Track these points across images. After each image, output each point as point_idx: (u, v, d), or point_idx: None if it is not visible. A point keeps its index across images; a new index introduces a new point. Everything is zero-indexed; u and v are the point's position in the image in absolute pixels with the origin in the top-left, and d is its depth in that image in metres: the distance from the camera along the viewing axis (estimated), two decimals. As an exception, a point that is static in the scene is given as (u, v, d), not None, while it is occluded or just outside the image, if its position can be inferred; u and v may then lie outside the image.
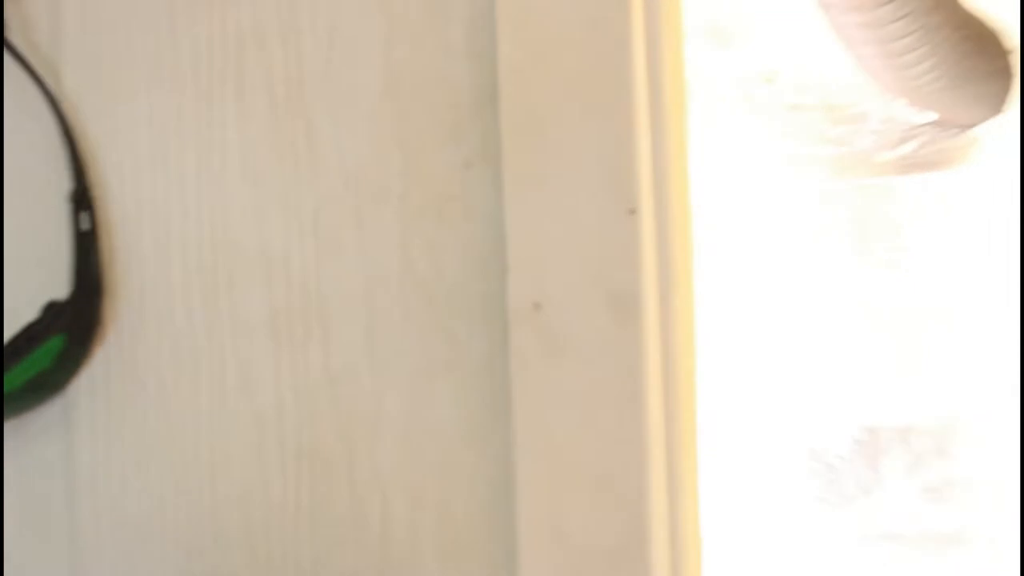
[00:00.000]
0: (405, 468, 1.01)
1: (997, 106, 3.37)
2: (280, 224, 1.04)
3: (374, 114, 1.02)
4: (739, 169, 3.46)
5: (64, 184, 1.07)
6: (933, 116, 3.34)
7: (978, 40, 3.15)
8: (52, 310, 1.06)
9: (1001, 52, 3.32)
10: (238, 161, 1.05)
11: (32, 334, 1.06)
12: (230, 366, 1.04)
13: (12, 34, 1.08)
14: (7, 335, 1.05)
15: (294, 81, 1.04)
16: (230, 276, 1.05)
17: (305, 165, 1.04)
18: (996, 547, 3.36)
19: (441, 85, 1.03)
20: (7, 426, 1.07)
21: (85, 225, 1.05)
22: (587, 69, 0.99)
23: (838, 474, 3.41)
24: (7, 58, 1.07)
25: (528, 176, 0.99)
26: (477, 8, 1.01)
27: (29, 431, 1.08)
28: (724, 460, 3.43)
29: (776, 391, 3.44)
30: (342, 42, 1.03)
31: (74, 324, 1.05)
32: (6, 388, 1.05)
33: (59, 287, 1.06)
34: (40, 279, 1.08)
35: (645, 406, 0.97)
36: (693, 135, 1.10)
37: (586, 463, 0.97)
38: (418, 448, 1.02)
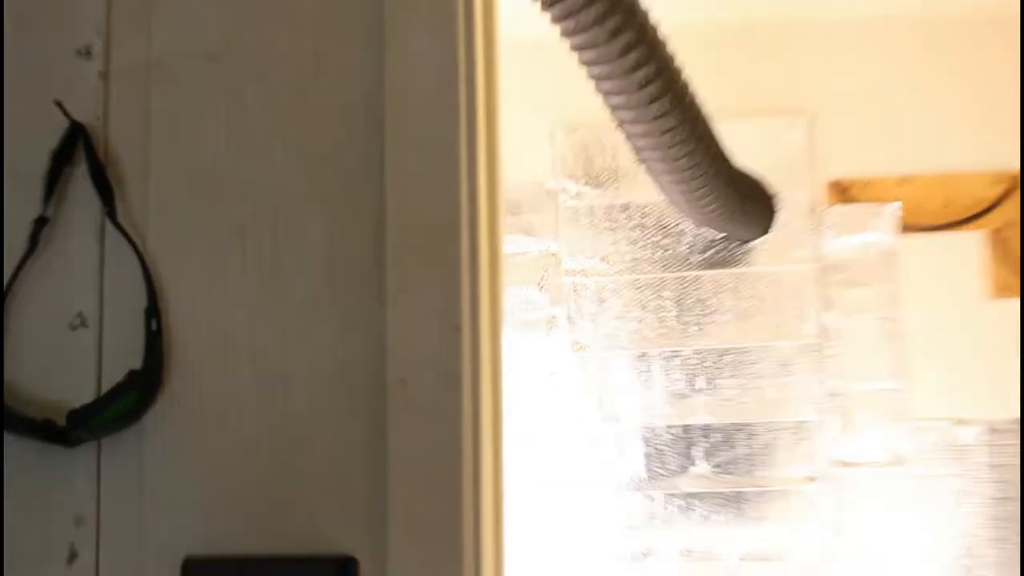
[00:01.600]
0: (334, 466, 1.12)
1: (765, 229, 3.48)
2: (254, 323, 1.14)
3: (316, 273, 1.14)
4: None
5: (143, 302, 1.18)
6: (723, 234, 3.44)
7: (748, 185, 3.25)
8: (132, 375, 1.17)
9: (765, 194, 3.43)
10: (235, 297, 1.16)
11: (119, 388, 1.16)
12: (232, 414, 1.15)
13: (120, 215, 1.19)
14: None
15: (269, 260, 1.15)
16: (234, 357, 1.15)
17: (274, 289, 1.15)
18: (763, 502, 3.43)
19: (360, 252, 1.14)
20: (109, 437, 1.17)
21: (154, 327, 1.17)
22: (432, 238, 1.11)
23: (663, 455, 3.48)
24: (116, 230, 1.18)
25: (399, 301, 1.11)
26: (375, 212, 1.13)
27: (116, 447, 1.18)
28: (583, 451, 3.49)
29: (623, 405, 3.50)
30: (292, 233, 1.14)
31: (144, 383, 1.17)
32: (107, 417, 1.16)
33: (137, 362, 1.17)
34: (126, 357, 1.18)
35: (461, 430, 1.09)
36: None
37: (429, 464, 1.09)
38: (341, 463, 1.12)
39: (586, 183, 3.58)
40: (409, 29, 1.15)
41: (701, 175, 2.82)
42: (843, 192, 3.51)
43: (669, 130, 2.68)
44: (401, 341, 1.11)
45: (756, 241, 3.47)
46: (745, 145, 3.47)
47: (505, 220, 1.29)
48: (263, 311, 1.16)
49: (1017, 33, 3.49)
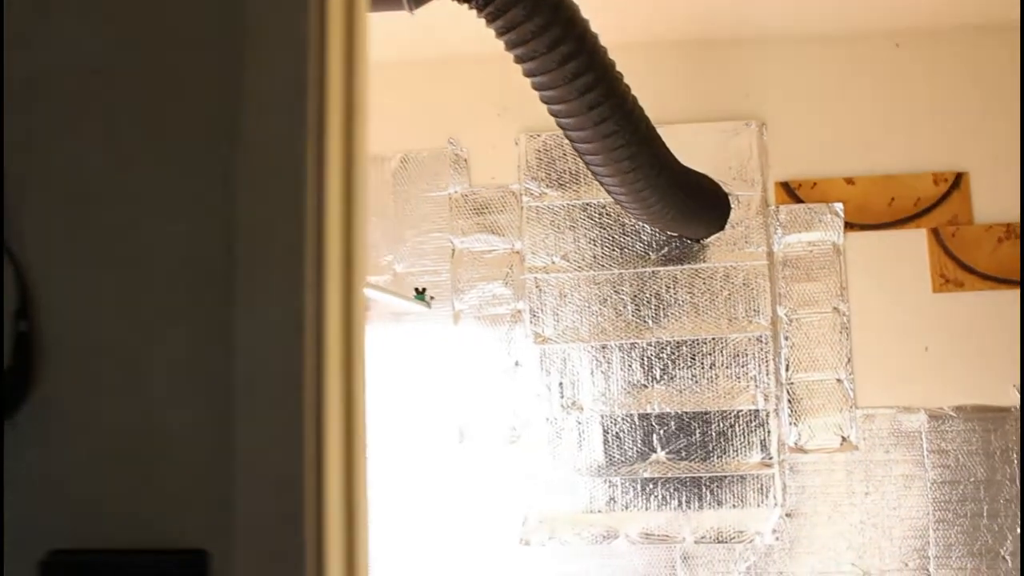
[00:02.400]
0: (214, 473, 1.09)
1: (719, 226, 3.43)
2: (118, 324, 1.12)
3: (175, 276, 1.11)
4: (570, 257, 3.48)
5: (15, 305, 1.15)
6: (675, 233, 3.40)
7: (697, 186, 3.20)
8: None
9: (718, 195, 3.38)
10: (101, 299, 1.12)
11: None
12: (95, 412, 1.11)
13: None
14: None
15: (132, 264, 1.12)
16: (98, 357, 1.12)
17: (137, 292, 1.12)
18: (719, 487, 3.39)
19: (215, 257, 1.11)
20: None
21: (23, 328, 1.14)
22: (279, 246, 1.09)
23: (622, 443, 3.44)
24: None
25: (248, 304, 1.08)
26: (229, 220, 1.09)
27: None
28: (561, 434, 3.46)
29: (584, 394, 3.47)
30: (154, 239, 1.11)
31: (11, 383, 1.13)
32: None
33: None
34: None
35: (303, 430, 1.05)
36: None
37: (273, 462, 1.05)
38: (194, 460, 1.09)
39: (548, 185, 3.55)
40: (263, 48, 1.11)
41: (643, 177, 2.77)
42: (792, 192, 3.45)
43: (610, 134, 2.64)
44: (249, 342, 1.08)
45: (710, 239, 3.42)
46: (700, 149, 3.44)
47: (368, 226, 1.25)
48: (126, 312, 1.13)
49: (953, 43, 3.43)
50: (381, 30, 3.19)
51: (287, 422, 1.07)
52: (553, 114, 2.65)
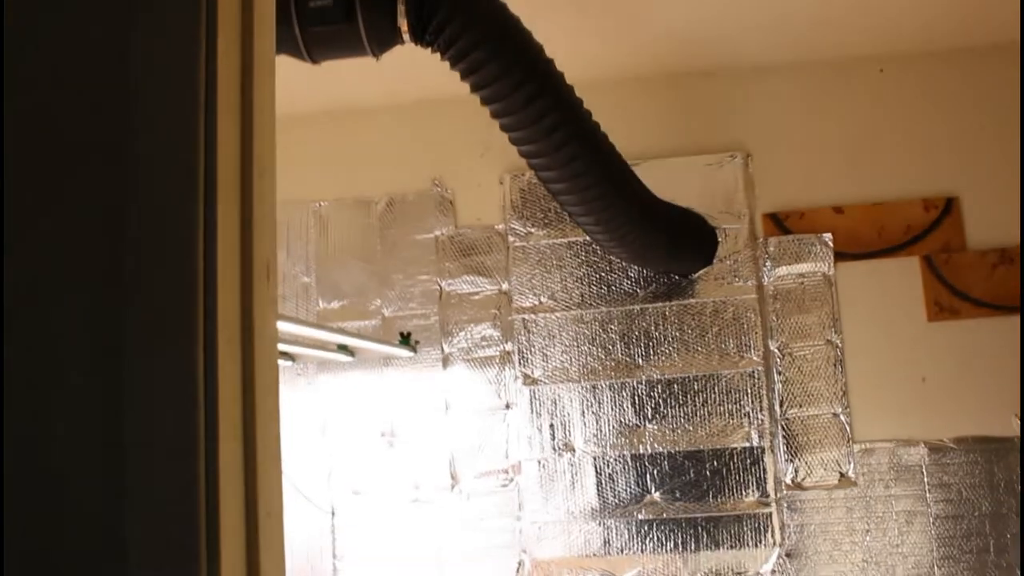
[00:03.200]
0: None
1: (707, 261, 3.37)
2: None
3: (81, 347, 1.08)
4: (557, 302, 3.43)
5: None
6: (660, 270, 3.34)
7: (679, 221, 3.15)
8: None
9: (704, 229, 3.33)
10: None
11: None
12: None
13: None
14: None
15: None
16: None
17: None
18: (716, 527, 3.31)
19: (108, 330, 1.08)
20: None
21: None
22: (170, 312, 1.05)
23: (615, 484, 3.37)
24: None
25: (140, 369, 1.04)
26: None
27: None
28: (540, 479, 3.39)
29: (575, 435, 3.40)
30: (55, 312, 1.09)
31: None
32: None
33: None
34: None
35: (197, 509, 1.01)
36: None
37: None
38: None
39: (533, 224, 3.51)
40: (150, 103, 1.08)
41: (619, 215, 2.72)
42: (780, 224, 3.39)
43: (581, 173, 2.59)
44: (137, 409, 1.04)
45: (698, 274, 3.36)
46: (685, 183, 3.39)
47: (277, 281, 1.20)
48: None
49: (936, 67, 3.38)
50: (359, 75, 3.19)
51: (181, 509, 1.02)
52: (523, 155, 2.62)
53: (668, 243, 3.02)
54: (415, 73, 3.23)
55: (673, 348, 3.36)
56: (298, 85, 3.28)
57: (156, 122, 1.09)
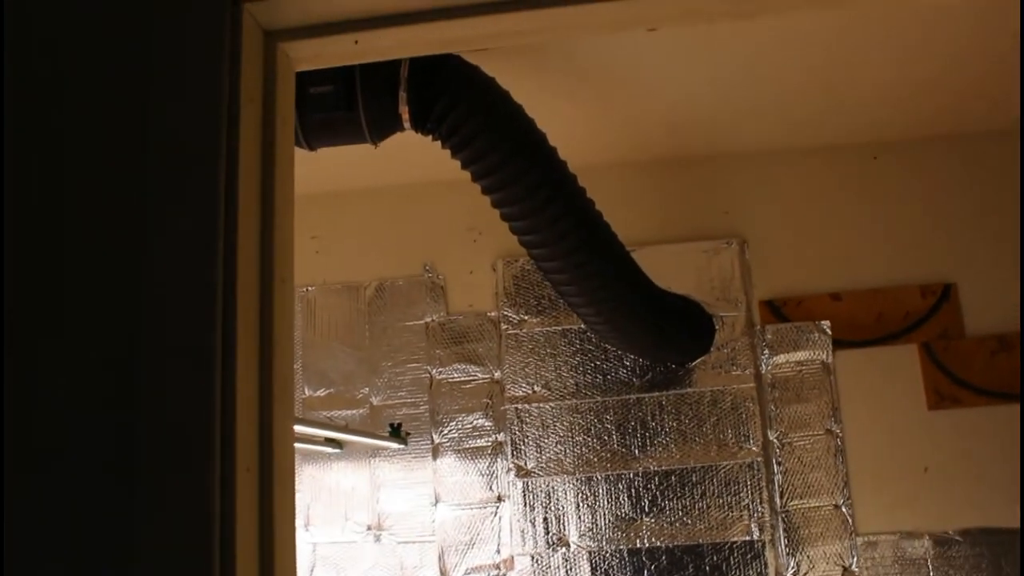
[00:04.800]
0: None
1: (704, 349, 3.30)
2: None
3: None
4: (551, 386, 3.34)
5: None
6: (656, 359, 3.26)
7: (677, 310, 3.09)
8: None
9: (701, 316, 3.26)
10: None
11: None
12: None
13: None
14: None
15: None
16: None
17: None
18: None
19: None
20: None
21: None
22: (184, 450, 0.95)
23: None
24: None
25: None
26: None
27: None
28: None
29: (570, 529, 3.27)
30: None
31: None
32: None
33: None
34: None
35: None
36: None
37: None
38: None
39: (527, 311, 3.42)
40: (171, 189, 1.00)
41: (619, 305, 2.65)
42: (777, 311, 3.33)
43: (583, 263, 2.53)
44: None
45: (695, 362, 3.29)
46: (681, 270, 3.33)
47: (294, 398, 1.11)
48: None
49: (931, 154, 3.37)
50: (348, 157, 3.11)
51: None
52: (524, 244, 2.55)
53: (666, 331, 2.95)
54: (405, 155, 3.17)
55: (670, 438, 3.26)
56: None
57: (172, 234, 1.00)
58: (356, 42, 1.15)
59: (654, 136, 3.27)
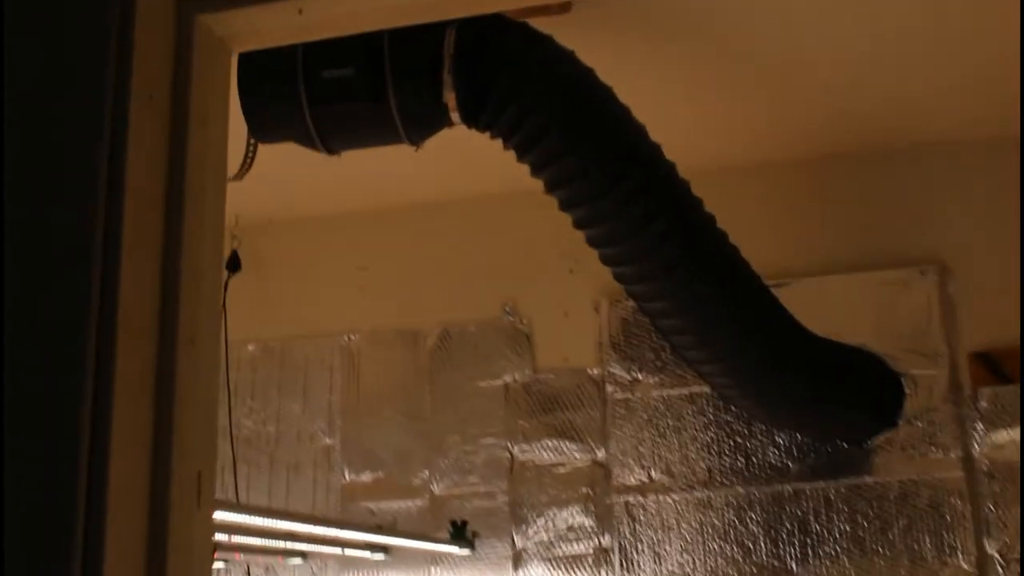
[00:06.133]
0: None
1: (888, 422, 3.20)
2: None
3: None
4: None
5: None
6: (819, 433, 3.18)
7: (843, 367, 3.01)
8: None
9: (881, 370, 3.18)
10: None
11: None
12: None
13: None
14: None
15: None
16: None
17: None
18: None
19: None
20: None
21: None
22: None
23: None
24: None
25: None
26: None
27: None
28: None
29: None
30: None
31: None
32: None
33: None
34: None
35: None
36: None
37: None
38: None
39: (641, 368, 3.36)
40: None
41: (756, 359, 2.58)
42: (995, 367, 3.19)
43: (702, 301, 2.46)
44: None
45: (875, 441, 3.18)
46: (854, 310, 3.23)
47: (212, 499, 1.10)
48: None
49: None
50: (398, 161, 3.12)
51: None
52: (618, 278, 2.50)
53: (829, 398, 2.87)
54: (471, 158, 3.16)
55: (841, 548, 3.16)
56: (316, 176, 3.24)
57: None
58: (300, 11, 1.11)
59: (808, 124, 3.20)
